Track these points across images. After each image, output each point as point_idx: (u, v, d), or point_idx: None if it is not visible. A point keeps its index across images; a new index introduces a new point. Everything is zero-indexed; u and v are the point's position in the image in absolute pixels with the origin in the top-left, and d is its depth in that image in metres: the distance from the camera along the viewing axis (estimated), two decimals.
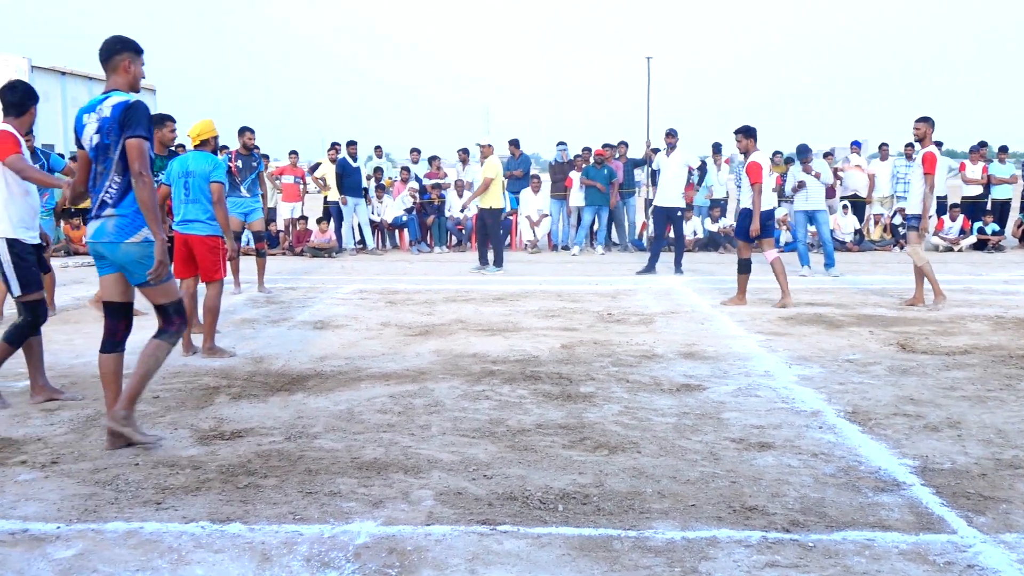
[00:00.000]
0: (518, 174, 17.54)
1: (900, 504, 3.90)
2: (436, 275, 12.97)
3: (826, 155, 18.04)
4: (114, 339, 4.84)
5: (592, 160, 16.28)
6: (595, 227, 16.71)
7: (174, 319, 4.80)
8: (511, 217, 17.08)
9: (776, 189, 16.93)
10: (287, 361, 6.87)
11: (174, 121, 7.83)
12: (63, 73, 25.48)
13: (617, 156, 16.77)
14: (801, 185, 12.57)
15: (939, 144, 13.51)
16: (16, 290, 5.54)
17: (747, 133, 9.85)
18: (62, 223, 16.72)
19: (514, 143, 17.57)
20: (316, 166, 17.59)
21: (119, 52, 4.72)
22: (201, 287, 7.48)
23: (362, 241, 17.05)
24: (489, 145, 13.11)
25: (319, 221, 16.15)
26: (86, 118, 4.73)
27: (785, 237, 16.44)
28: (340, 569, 3.29)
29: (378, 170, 17.84)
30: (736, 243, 10.77)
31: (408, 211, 17.08)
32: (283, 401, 5.67)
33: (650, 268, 12.85)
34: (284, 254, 16.25)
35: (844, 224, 16.56)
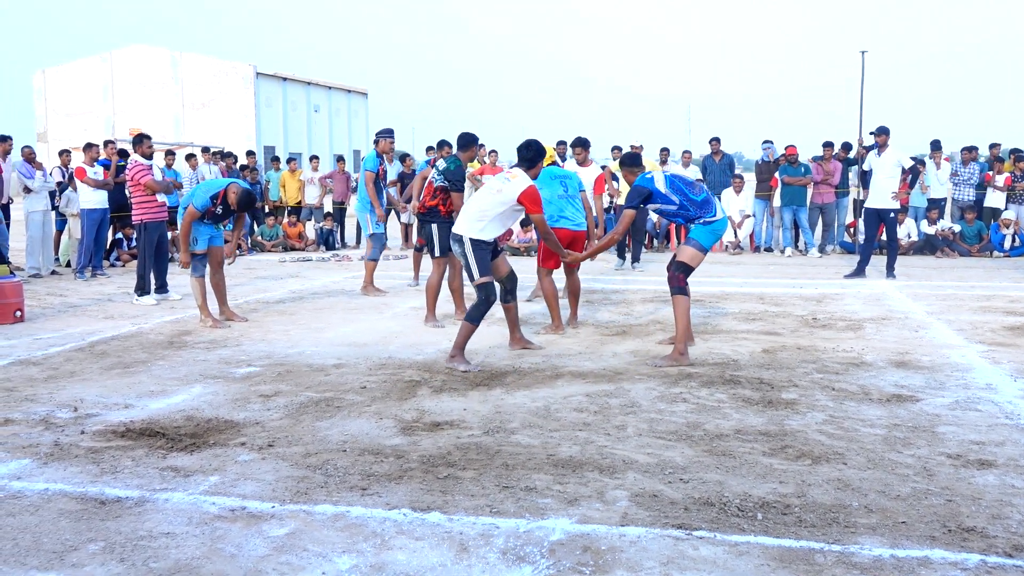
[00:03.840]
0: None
1: None
2: (633, 275, 12.91)
3: None
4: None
5: (782, 158, 16.04)
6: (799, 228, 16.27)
7: (678, 275, 6.88)
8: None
9: (1006, 189, 15.80)
10: (486, 357, 7.01)
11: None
12: (284, 79, 27.10)
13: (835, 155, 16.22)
14: None
15: None
16: (476, 276, 6.70)
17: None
18: (283, 221, 17.77)
19: (715, 140, 17.38)
20: (515, 166, 17.85)
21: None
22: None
23: None
24: (641, 146, 13.44)
25: (522, 223, 16.38)
26: None
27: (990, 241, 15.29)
28: (535, 564, 3.32)
29: None
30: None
31: (607, 210, 17.06)
32: (482, 396, 5.79)
33: (859, 271, 12.28)
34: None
35: None
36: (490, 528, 3.65)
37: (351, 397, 5.80)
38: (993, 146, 16.65)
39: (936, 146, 16.28)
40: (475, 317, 6.68)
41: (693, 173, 17.94)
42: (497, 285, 6.92)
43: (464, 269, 6.89)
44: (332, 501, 3.97)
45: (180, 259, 8.71)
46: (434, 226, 8.49)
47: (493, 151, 17.66)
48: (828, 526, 3.64)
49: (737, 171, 17.83)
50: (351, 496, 4.02)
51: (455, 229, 6.88)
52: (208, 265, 8.76)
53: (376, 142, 10.31)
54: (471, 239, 6.72)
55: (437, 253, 8.51)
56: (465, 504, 3.91)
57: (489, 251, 6.82)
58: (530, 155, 7.09)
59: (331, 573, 3.28)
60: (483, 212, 6.78)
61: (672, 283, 6.93)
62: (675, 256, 7.04)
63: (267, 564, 3.35)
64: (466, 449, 4.66)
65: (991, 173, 16.17)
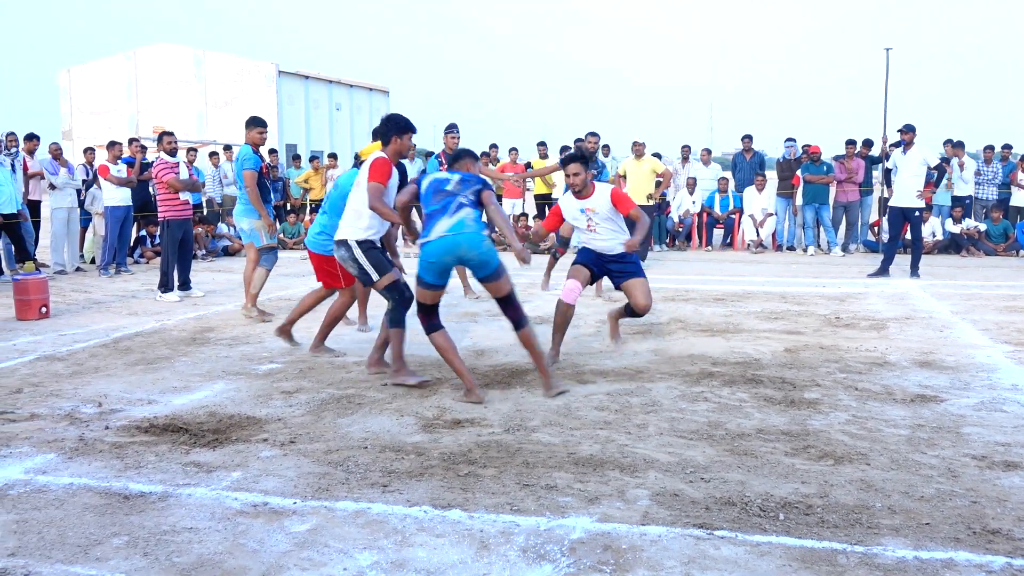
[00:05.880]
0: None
1: None
2: (655, 273, 12.85)
3: None
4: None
5: (805, 157, 16.04)
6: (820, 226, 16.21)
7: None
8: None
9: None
10: (507, 355, 7.01)
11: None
12: (306, 77, 27.18)
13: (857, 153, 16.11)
14: None
15: None
16: (375, 278, 6.11)
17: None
18: (304, 219, 17.82)
19: (747, 138, 17.37)
20: (529, 164, 17.88)
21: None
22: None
23: None
24: (644, 144, 13.47)
25: (536, 218, 16.40)
26: None
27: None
28: (556, 562, 3.32)
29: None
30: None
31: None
32: (503, 394, 5.80)
33: (883, 271, 12.19)
34: (504, 249, 16.59)
35: None
36: (510, 526, 3.65)
37: (372, 394, 5.81)
38: None
39: (955, 144, 16.09)
40: (399, 320, 6.14)
41: (714, 171, 17.87)
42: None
43: (359, 278, 6.31)
44: (353, 498, 3.98)
45: (264, 222, 8.63)
46: None
47: (513, 148, 17.71)
48: (851, 527, 3.62)
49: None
50: (372, 493, 4.03)
51: (336, 236, 6.25)
52: (262, 258, 8.77)
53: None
54: (356, 241, 6.11)
55: None
56: (486, 502, 3.91)
57: (381, 251, 6.25)
58: (382, 129, 6.23)
59: (352, 569, 3.29)
60: (358, 211, 6.15)
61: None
62: None
63: (289, 559, 3.37)
64: (487, 447, 4.67)
65: (1017, 172, 16.00)
